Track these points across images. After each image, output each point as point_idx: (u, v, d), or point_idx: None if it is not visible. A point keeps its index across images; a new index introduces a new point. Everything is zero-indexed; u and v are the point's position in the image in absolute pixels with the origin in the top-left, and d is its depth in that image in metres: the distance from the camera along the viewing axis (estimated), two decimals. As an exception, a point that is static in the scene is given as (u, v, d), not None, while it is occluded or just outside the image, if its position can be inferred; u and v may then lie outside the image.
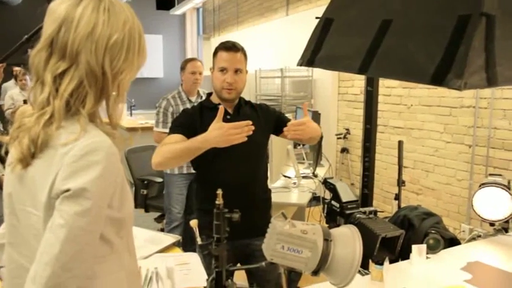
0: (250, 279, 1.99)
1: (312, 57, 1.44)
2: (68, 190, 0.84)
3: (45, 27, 0.94)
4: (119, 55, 0.94)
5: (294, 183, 3.24)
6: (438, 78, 0.98)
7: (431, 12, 1.08)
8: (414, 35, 1.09)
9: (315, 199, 3.15)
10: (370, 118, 2.45)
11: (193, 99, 3.35)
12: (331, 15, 1.41)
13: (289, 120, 2.02)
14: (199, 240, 1.94)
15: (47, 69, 0.92)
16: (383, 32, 1.18)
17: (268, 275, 1.92)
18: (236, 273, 1.36)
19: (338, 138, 5.27)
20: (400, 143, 2.36)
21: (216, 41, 8.85)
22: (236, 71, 1.89)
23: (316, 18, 1.48)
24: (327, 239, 1.14)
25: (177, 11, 9.26)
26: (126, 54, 0.95)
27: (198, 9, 10.31)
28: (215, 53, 1.96)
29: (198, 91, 3.42)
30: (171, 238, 2.00)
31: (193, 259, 1.80)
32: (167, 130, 2.06)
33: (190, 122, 1.88)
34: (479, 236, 2.21)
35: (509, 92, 3.38)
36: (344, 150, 5.22)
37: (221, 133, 1.62)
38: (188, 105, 3.23)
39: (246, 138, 1.65)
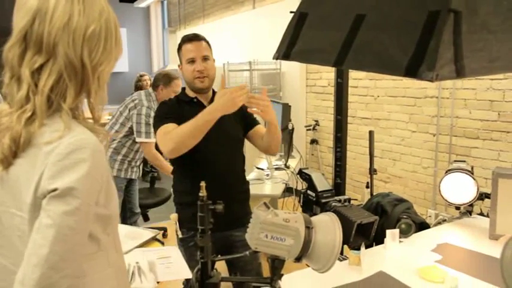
0: (231, 270, 2.02)
1: (287, 50, 1.47)
2: (55, 190, 0.82)
3: (16, 20, 0.90)
4: (97, 46, 0.91)
5: (267, 174, 3.29)
6: (412, 71, 1.04)
7: (403, 8, 1.13)
8: (387, 29, 1.15)
9: (288, 190, 3.22)
10: (341, 109, 2.52)
11: None
12: (306, 10, 1.45)
13: (258, 123, 2.07)
14: (180, 234, 1.97)
15: (23, 64, 0.88)
16: (357, 26, 1.23)
17: (248, 265, 1.96)
18: (216, 264, 1.39)
19: (307, 129, 5.36)
20: (370, 133, 2.45)
21: (182, 34, 8.68)
22: (204, 58, 1.91)
23: (291, 12, 1.52)
24: (308, 227, 1.19)
25: (141, 3, 9.08)
26: (104, 45, 0.93)
27: (162, 2, 10.15)
28: (179, 48, 1.98)
29: None
30: (150, 233, 2.01)
31: (174, 252, 1.82)
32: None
33: (173, 111, 1.89)
34: (445, 220, 2.33)
35: (469, 82, 3.54)
36: (313, 141, 5.31)
37: (227, 98, 1.68)
38: None
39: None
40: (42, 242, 0.81)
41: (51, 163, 0.83)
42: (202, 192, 1.27)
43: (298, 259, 1.19)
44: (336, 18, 1.33)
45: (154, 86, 3.25)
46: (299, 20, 1.45)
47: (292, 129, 3.55)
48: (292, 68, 5.44)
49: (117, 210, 1.01)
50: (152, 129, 3.05)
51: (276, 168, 3.45)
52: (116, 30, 0.97)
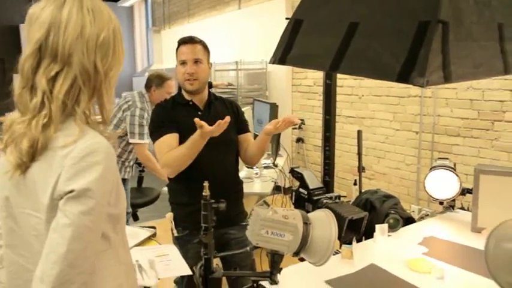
0: (225, 267, 2.08)
1: (283, 55, 1.54)
2: (71, 191, 0.87)
3: (30, 34, 0.95)
4: (108, 52, 0.98)
5: (256, 173, 3.36)
6: (403, 77, 1.12)
7: (395, 17, 1.21)
8: (380, 37, 1.23)
9: (277, 188, 3.29)
10: (329, 109, 2.60)
11: None
12: (301, 17, 1.52)
13: (249, 131, 2.15)
14: (175, 233, 2.02)
15: (38, 73, 0.93)
16: (351, 34, 1.31)
17: (243, 262, 2.02)
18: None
19: (293, 128, 5.44)
20: (359, 132, 2.54)
21: (167, 33, 8.74)
22: (196, 62, 1.95)
23: (286, 19, 1.59)
24: (306, 223, 1.26)
25: (125, 2, 9.04)
26: (114, 51, 0.99)
27: (146, 1, 10.10)
28: (176, 50, 2.02)
29: None
30: (146, 232, 2.06)
31: (171, 250, 1.87)
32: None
33: (169, 117, 1.94)
34: (427, 215, 2.43)
35: (450, 82, 3.66)
36: (299, 140, 5.40)
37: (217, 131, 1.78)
38: None
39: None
40: (60, 241, 0.87)
41: (68, 166, 0.88)
42: (205, 192, 1.33)
43: (296, 253, 1.26)
44: (330, 25, 1.41)
45: (147, 86, 3.27)
46: (294, 26, 1.52)
47: (281, 128, 3.62)
48: (278, 68, 5.52)
49: (125, 209, 1.07)
50: (145, 131, 3.09)
51: (265, 167, 3.52)
52: (121, 36, 1.03)
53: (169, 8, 8.88)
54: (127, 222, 3.48)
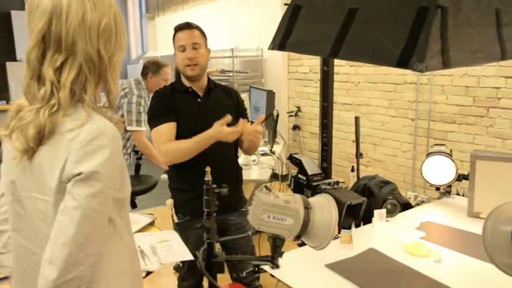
0: (226, 252, 2.11)
1: (282, 41, 1.54)
2: (80, 174, 0.88)
3: (32, 23, 0.94)
4: (110, 38, 0.98)
5: (254, 160, 3.38)
6: (403, 62, 1.13)
7: (394, 3, 1.22)
8: (379, 22, 1.23)
9: (274, 176, 3.31)
10: (327, 96, 2.61)
11: None
12: (300, 2, 1.52)
13: (248, 120, 2.15)
14: (176, 219, 2.04)
15: (45, 63, 0.93)
16: (350, 19, 1.31)
17: (243, 248, 2.05)
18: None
19: (289, 116, 5.45)
20: (356, 118, 2.55)
21: (161, 20, 8.66)
22: (194, 47, 1.96)
23: (285, 4, 1.60)
24: (307, 207, 1.28)
25: (119, -11, 8.91)
26: (116, 37, 0.99)
27: (140, -12, 9.99)
28: (173, 37, 2.02)
29: None
30: (147, 218, 2.07)
31: (172, 236, 1.89)
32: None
33: (168, 105, 1.94)
34: (423, 202, 2.47)
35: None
36: (296, 127, 5.42)
37: (222, 136, 1.84)
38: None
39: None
40: (68, 223, 0.88)
41: (75, 149, 0.89)
42: (208, 177, 1.34)
43: (297, 237, 1.28)
44: (329, 11, 1.41)
45: (143, 74, 3.26)
46: (293, 12, 1.52)
47: (277, 116, 3.64)
48: (274, 55, 5.50)
49: (129, 194, 1.07)
50: (143, 118, 3.09)
51: (262, 154, 3.54)
52: (121, 21, 1.03)
53: (164, -6, 8.79)
54: None
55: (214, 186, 1.35)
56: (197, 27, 2.02)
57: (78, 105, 0.95)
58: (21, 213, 1.01)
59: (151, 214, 2.08)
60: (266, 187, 1.34)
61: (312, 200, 1.34)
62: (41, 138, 0.92)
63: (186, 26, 2.00)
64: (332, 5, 1.42)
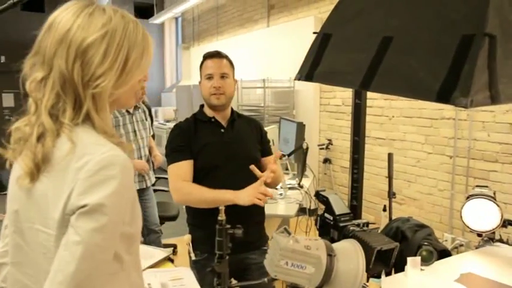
0: (244, 294, 1.97)
1: (310, 71, 1.44)
2: (84, 206, 0.80)
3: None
4: (92, 59, 0.88)
5: (281, 194, 3.24)
6: (444, 96, 1.00)
7: (433, 31, 1.10)
8: (416, 52, 1.11)
9: (301, 210, 3.16)
10: (359, 130, 2.48)
11: (131, 110, 3.29)
12: (329, 31, 1.42)
13: (271, 153, 2.05)
14: (193, 256, 1.92)
15: (31, 76, 0.90)
16: (384, 49, 1.20)
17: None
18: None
19: (320, 148, 5.31)
20: (389, 155, 2.40)
21: (196, 50, 8.83)
22: (222, 76, 1.90)
23: (314, 33, 1.50)
24: (330, 254, 1.15)
25: (156, 20, 9.23)
26: (103, 59, 0.89)
27: (177, 19, 10.29)
28: (201, 64, 1.97)
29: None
30: (162, 253, 1.97)
31: (187, 274, 1.77)
32: None
33: (187, 142, 1.89)
34: (462, 245, 2.25)
35: (488, 104, 3.48)
36: (326, 160, 5.26)
37: (252, 193, 1.74)
38: (127, 117, 3.18)
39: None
40: (69, 259, 0.80)
41: (82, 179, 0.82)
42: (221, 216, 1.23)
43: (319, 288, 1.15)
44: (361, 40, 1.30)
45: None
46: (322, 40, 1.43)
47: (307, 148, 3.51)
48: (306, 87, 5.43)
49: (140, 229, 0.99)
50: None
51: (290, 188, 3.40)
52: (125, 41, 0.93)
53: (199, 25, 8.99)
54: (154, 242, 3.36)
55: (228, 226, 1.23)
56: (226, 57, 1.97)
57: (79, 128, 0.88)
58: (22, 245, 0.93)
59: (171, 245, 1.99)
60: (286, 229, 1.21)
61: (336, 246, 1.21)
62: (38, 162, 0.86)
63: (216, 55, 1.95)
64: (364, 33, 1.31)
